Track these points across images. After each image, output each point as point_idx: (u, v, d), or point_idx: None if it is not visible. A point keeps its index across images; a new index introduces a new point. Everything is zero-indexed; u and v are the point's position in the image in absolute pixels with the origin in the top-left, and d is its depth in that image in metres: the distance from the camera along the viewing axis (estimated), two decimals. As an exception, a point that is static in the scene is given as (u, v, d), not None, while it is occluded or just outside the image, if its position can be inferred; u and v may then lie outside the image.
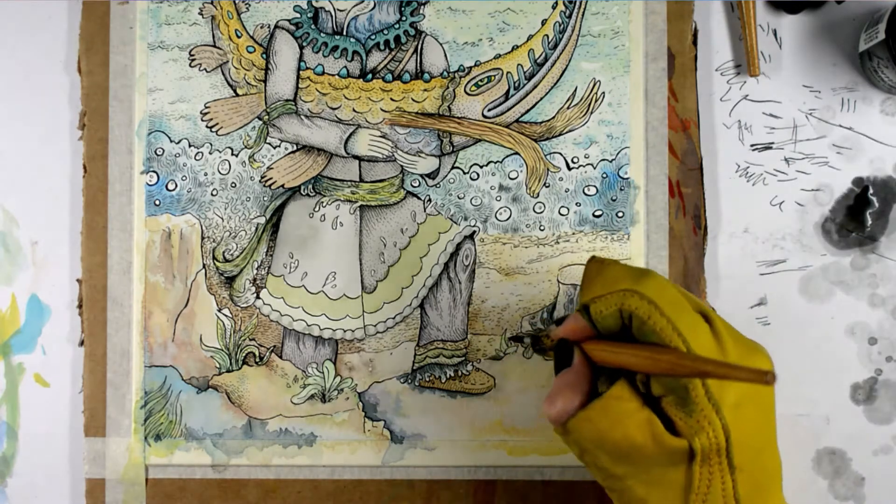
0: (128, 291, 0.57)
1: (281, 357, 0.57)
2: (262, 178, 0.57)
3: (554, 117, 0.57)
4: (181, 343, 0.57)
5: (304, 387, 0.57)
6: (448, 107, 0.57)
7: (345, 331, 0.57)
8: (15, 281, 0.58)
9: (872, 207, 0.57)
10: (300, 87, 0.57)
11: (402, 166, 0.57)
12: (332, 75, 0.57)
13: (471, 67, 0.57)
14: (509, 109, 0.57)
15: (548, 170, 0.57)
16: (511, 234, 0.57)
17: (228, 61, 0.57)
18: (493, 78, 0.57)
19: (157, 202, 0.57)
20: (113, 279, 0.57)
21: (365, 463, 0.56)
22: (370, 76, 0.57)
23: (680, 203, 0.56)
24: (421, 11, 0.57)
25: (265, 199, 0.57)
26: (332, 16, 0.57)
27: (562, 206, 0.57)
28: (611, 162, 0.57)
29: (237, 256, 0.57)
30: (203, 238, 0.57)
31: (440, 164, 0.57)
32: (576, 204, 0.57)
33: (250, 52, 0.57)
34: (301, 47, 0.57)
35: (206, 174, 0.57)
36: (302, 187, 0.57)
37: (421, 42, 0.57)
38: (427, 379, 0.57)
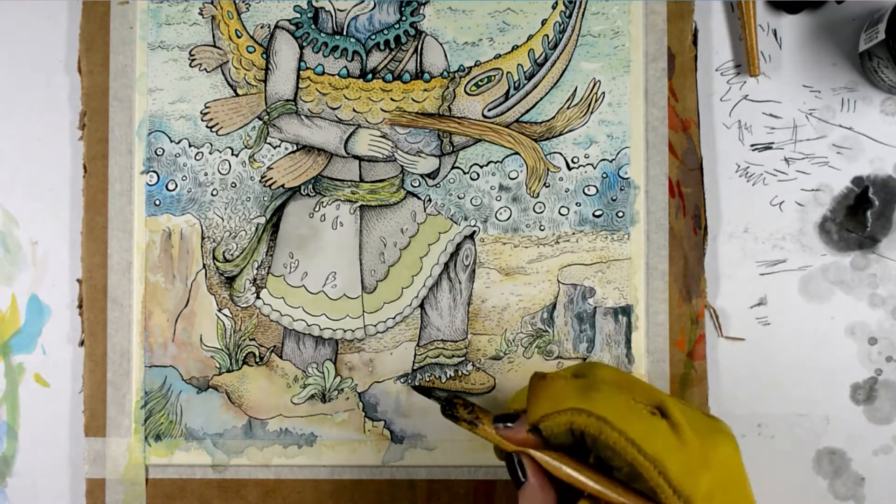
0: (128, 291, 0.57)
1: (281, 357, 0.57)
2: (262, 178, 0.57)
3: (554, 117, 0.57)
4: (181, 343, 0.57)
5: (305, 387, 0.57)
6: (448, 107, 0.57)
7: (345, 331, 0.57)
8: (15, 281, 0.58)
9: (872, 207, 0.57)
10: (300, 87, 0.57)
11: (402, 166, 0.57)
12: (333, 75, 0.57)
13: (471, 67, 0.57)
14: (509, 109, 0.57)
15: (548, 170, 0.57)
16: (511, 234, 0.57)
17: (228, 61, 0.57)
18: (493, 78, 0.57)
19: (158, 202, 0.57)
20: (113, 279, 0.57)
21: (365, 463, 0.56)
22: (370, 76, 0.57)
23: (680, 203, 0.56)
24: (421, 11, 0.57)
25: (265, 199, 0.57)
26: (332, 16, 0.57)
27: (562, 206, 0.57)
28: (611, 162, 0.57)
29: (237, 256, 0.57)
30: (203, 238, 0.57)
31: (440, 164, 0.57)
32: (576, 204, 0.57)
33: (250, 52, 0.57)
34: (301, 47, 0.57)
35: (206, 174, 0.57)
36: (302, 187, 0.57)
37: (421, 42, 0.57)
38: (427, 379, 0.57)
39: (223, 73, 0.57)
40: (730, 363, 0.57)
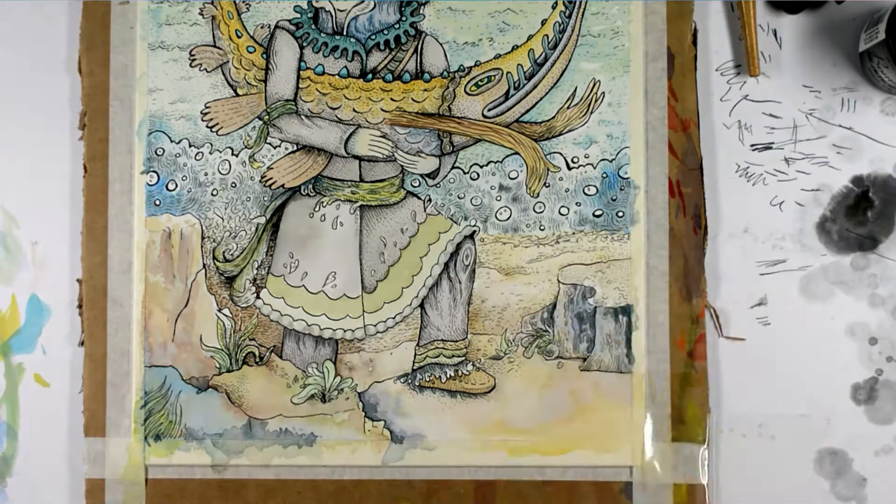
0: (128, 291, 0.57)
1: (281, 357, 0.57)
2: (262, 178, 0.57)
3: (554, 117, 0.57)
4: (181, 343, 0.57)
5: (304, 387, 0.57)
6: (448, 107, 0.57)
7: (345, 331, 0.57)
8: (15, 281, 0.58)
9: (872, 207, 0.57)
10: (300, 87, 0.57)
11: (402, 166, 0.57)
12: (333, 75, 0.57)
13: (471, 67, 0.57)
14: (509, 109, 0.57)
15: (548, 169, 0.57)
16: (511, 233, 0.57)
17: (229, 61, 0.57)
18: (493, 78, 0.57)
19: (158, 202, 0.57)
20: (113, 279, 0.57)
21: (365, 463, 0.56)
22: (370, 76, 0.57)
23: (680, 203, 0.56)
24: (421, 11, 0.57)
25: (265, 199, 0.57)
26: (332, 16, 0.57)
27: (562, 206, 0.57)
28: (611, 162, 0.57)
29: (237, 256, 0.57)
30: (203, 238, 0.57)
31: (440, 164, 0.57)
32: (576, 204, 0.57)
33: (250, 52, 0.57)
34: (301, 47, 0.57)
35: (206, 174, 0.57)
36: (302, 187, 0.57)
37: (421, 42, 0.57)
38: (427, 379, 0.57)
39: (223, 73, 0.57)
40: (730, 363, 0.57)
